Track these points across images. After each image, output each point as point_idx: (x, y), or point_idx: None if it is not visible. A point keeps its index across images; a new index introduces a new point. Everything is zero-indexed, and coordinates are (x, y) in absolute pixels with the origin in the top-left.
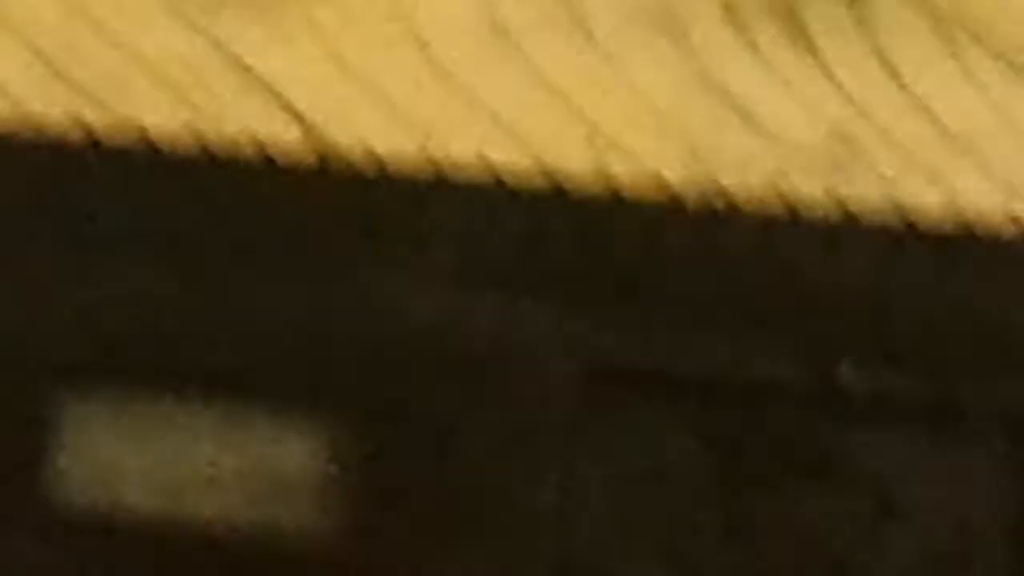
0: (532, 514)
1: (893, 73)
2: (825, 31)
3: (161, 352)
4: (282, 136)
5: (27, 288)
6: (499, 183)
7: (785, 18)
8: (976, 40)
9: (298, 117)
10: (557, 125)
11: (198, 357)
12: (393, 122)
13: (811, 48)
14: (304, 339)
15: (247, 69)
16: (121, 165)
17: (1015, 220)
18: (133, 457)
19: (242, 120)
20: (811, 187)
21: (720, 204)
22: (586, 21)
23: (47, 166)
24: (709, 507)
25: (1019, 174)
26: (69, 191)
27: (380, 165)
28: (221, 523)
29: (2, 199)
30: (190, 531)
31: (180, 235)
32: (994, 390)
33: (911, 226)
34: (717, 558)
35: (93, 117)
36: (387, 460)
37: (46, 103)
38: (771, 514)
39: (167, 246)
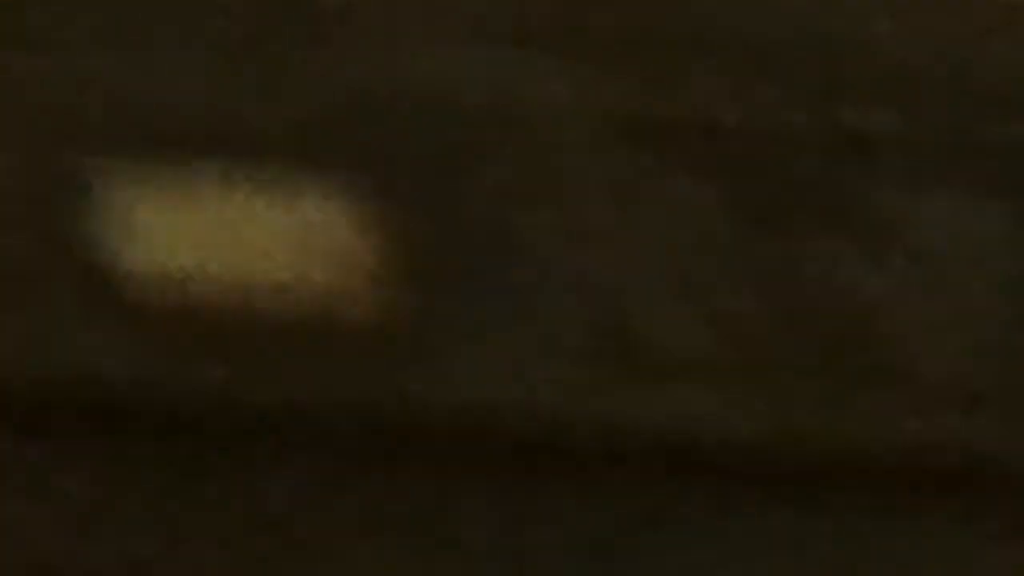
0: (546, 257)
1: None
2: None
3: (205, 127)
4: None
5: (76, 75)
6: None
7: None
8: None
9: None
10: None
11: (238, 132)
12: None
13: None
14: (335, 107)
15: None
16: None
17: None
18: (172, 222)
19: None
20: None
21: None
22: None
23: None
24: (726, 251)
25: None
26: None
27: None
28: (260, 280)
29: None
30: (224, 287)
31: (218, 20)
32: (990, 130)
33: None
34: (736, 301)
35: None
36: (411, 209)
37: None
38: (784, 255)
39: (204, 31)
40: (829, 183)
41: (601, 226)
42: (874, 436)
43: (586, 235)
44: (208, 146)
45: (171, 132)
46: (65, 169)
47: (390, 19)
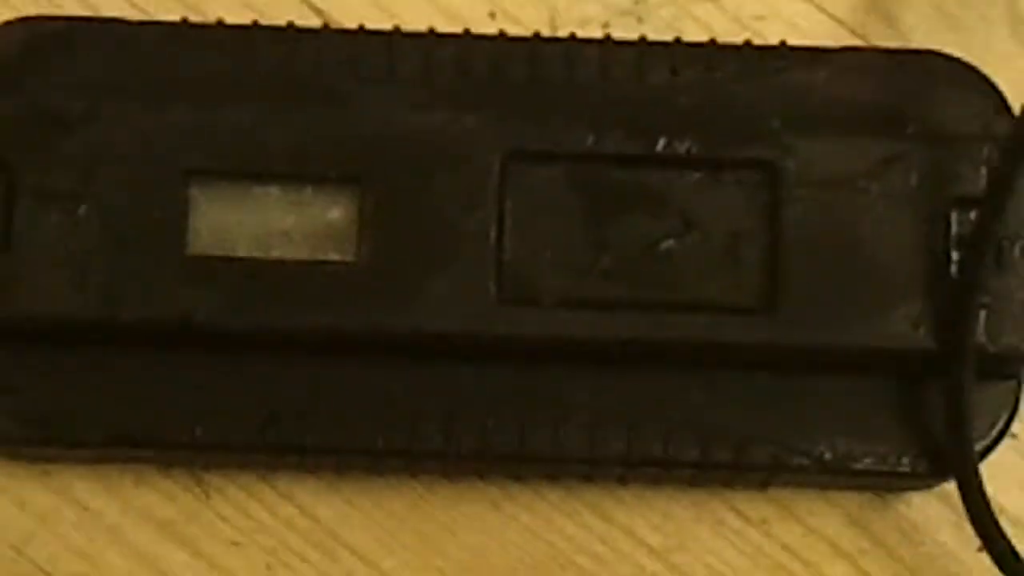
0: (474, 241)
1: None
2: None
3: (257, 156)
4: None
5: (157, 113)
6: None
7: None
8: None
9: None
10: None
11: (273, 164)
12: None
13: None
14: (326, 145)
15: None
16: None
17: None
18: (246, 223)
19: None
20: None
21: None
22: None
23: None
24: (589, 243)
25: None
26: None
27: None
28: (291, 256)
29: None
30: (270, 262)
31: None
32: (750, 148)
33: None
34: (602, 279)
35: None
36: (383, 215)
37: None
38: (640, 227)
39: (265, 81)
40: (641, 183)
41: (507, 216)
42: None
43: (498, 218)
44: (254, 171)
45: (226, 160)
46: (167, 195)
47: (349, 85)
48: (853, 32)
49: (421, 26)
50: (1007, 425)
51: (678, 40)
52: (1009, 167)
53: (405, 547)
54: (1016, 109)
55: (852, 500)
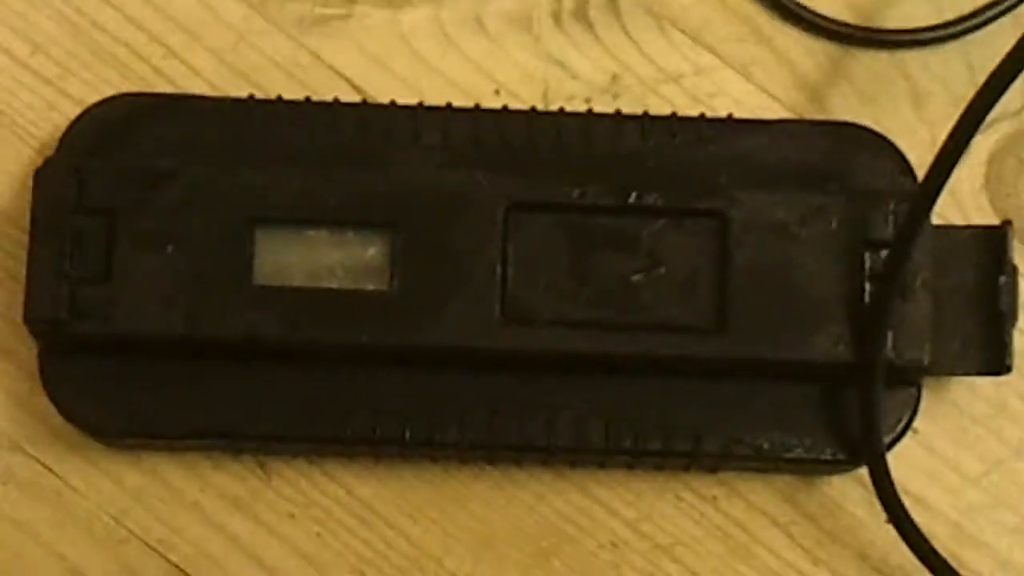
0: (483, 274)
1: None
2: None
3: (310, 206)
4: None
5: (229, 171)
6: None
7: None
8: None
9: None
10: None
11: (322, 212)
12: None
13: None
14: (365, 197)
15: None
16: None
17: None
18: (300, 260)
19: None
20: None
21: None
22: None
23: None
24: (575, 276)
25: None
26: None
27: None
28: (336, 285)
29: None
30: (320, 290)
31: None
32: (704, 200)
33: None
34: (585, 304)
35: None
36: (411, 253)
37: None
38: (615, 263)
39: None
40: (616, 227)
41: (511, 255)
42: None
43: (504, 255)
44: (317, 218)
45: (294, 210)
46: (237, 237)
47: (376, 158)
48: (787, 107)
49: (440, 101)
50: (909, 422)
51: (646, 113)
52: (913, 218)
53: (428, 518)
54: (917, 170)
55: (785, 482)
